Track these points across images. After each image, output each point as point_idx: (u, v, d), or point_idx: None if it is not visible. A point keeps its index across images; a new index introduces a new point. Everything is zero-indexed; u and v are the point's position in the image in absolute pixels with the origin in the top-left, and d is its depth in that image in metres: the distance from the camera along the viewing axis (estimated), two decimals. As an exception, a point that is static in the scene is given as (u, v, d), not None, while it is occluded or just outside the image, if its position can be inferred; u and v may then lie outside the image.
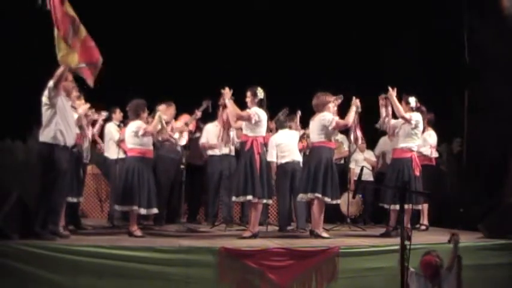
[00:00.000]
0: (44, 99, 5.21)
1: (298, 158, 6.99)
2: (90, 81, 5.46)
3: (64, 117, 5.29)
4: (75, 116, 5.98)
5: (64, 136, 5.25)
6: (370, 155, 8.45)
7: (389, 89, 6.27)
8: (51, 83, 5.16)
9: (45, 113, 5.23)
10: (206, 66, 8.83)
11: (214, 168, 7.64)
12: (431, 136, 7.27)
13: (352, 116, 6.26)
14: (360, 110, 6.44)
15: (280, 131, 7.14)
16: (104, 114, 6.90)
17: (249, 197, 5.86)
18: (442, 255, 4.36)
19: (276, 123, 7.26)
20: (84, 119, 6.27)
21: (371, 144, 8.49)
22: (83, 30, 5.37)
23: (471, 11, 7.78)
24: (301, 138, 7.55)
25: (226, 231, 6.77)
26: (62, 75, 5.15)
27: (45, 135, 5.21)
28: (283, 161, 6.96)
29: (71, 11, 5.31)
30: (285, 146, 6.97)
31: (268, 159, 6.72)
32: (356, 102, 6.30)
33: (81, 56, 5.28)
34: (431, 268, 4.23)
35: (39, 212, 5.12)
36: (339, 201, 6.39)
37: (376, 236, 6.31)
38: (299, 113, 7.22)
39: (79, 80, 6.13)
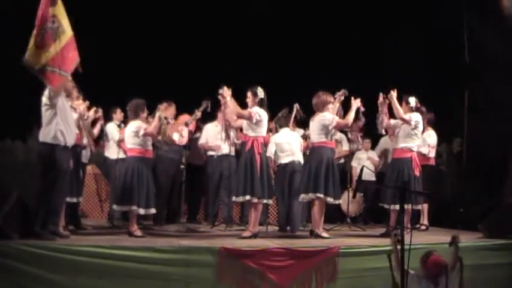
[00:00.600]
0: (44, 99, 5.20)
1: (299, 158, 6.97)
2: (51, 85, 5.13)
3: (64, 118, 5.28)
4: (75, 116, 5.98)
5: (64, 136, 5.25)
6: (374, 154, 8.41)
7: (391, 91, 6.27)
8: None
9: (45, 113, 5.22)
10: (206, 66, 8.82)
11: (214, 168, 7.64)
12: (431, 136, 7.26)
13: (352, 116, 6.25)
14: (363, 109, 6.44)
15: (282, 131, 7.13)
16: (100, 111, 6.81)
17: (249, 197, 5.86)
18: (442, 255, 4.36)
19: (276, 123, 7.24)
20: (83, 118, 6.26)
21: (372, 144, 8.49)
22: (65, 38, 5.16)
23: (471, 11, 7.78)
24: (302, 138, 7.56)
25: (226, 231, 6.77)
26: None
27: (45, 136, 5.21)
28: (283, 161, 6.95)
29: (60, 15, 5.16)
30: (285, 145, 6.95)
31: (267, 154, 6.76)
32: (357, 103, 6.30)
33: (55, 62, 5.07)
34: (440, 268, 4.21)
35: (39, 212, 5.11)
36: (340, 201, 6.39)
37: (376, 236, 6.31)
38: (297, 106, 7.12)
39: (79, 80, 6.16)
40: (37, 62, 5.00)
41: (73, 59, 5.23)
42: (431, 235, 6.53)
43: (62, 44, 5.14)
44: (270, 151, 6.93)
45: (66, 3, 5.27)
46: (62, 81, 5.18)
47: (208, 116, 7.72)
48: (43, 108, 5.23)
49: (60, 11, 5.19)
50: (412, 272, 4.06)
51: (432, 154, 7.32)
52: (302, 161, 6.94)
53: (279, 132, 7.13)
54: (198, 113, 7.38)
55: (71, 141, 5.37)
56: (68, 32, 5.20)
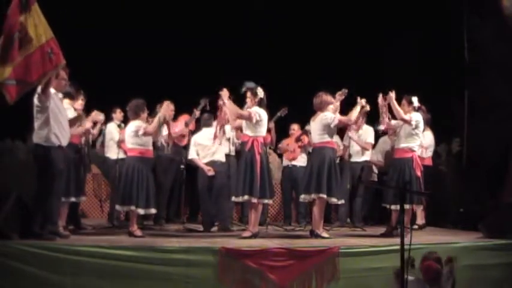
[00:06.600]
0: (36, 101, 5.17)
1: (221, 158, 6.93)
2: (10, 99, 4.88)
3: (57, 119, 5.25)
4: (79, 116, 5.99)
5: (58, 138, 5.23)
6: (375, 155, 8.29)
7: (390, 92, 6.27)
8: (39, 89, 5.09)
9: (37, 115, 5.20)
10: (205, 65, 8.81)
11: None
12: (425, 137, 7.21)
13: (355, 114, 6.26)
14: (367, 108, 6.44)
15: (203, 130, 7.06)
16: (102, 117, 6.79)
17: (249, 197, 5.86)
18: (442, 255, 4.36)
19: (201, 121, 7.18)
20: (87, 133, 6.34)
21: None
22: (32, 46, 4.91)
23: (471, 10, 7.78)
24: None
25: (226, 231, 6.76)
26: (48, 82, 5.07)
27: (39, 138, 5.18)
28: (204, 160, 6.91)
29: (31, 22, 4.90)
30: (206, 146, 6.91)
31: (190, 157, 6.94)
32: (361, 102, 6.30)
33: (16, 72, 4.84)
34: (431, 274, 4.21)
35: (38, 213, 5.12)
36: (343, 201, 6.39)
37: (376, 236, 6.31)
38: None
39: (80, 80, 6.16)
40: (2, 75, 4.81)
41: (46, 66, 4.96)
42: (431, 235, 6.53)
43: (27, 52, 4.90)
44: (191, 153, 6.95)
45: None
46: (22, 92, 4.95)
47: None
48: (35, 109, 5.20)
49: (34, 17, 4.93)
50: (411, 277, 4.05)
51: (425, 155, 7.30)
52: (224, 160, 6.93)
53: (201, 131, 7.08)
54: (197, 112, 7.35)
55: (65, 141, 5.36)
56: (39, 39, 4.94)
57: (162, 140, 6.95)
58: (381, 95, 6.43)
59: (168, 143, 7.08)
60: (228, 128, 6.86)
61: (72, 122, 5.66)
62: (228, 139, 7.13)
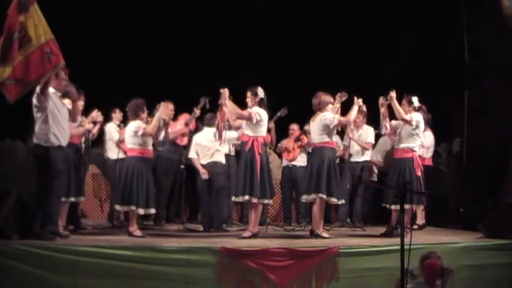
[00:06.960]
0: (35, 101, 5.17)
1: (221, 159, 6.92)
2: (11, 99, 4.91)
3: (56, 119, 5.25)
4: (81, 119, 6.00)
5: (58, 138, 5.24)
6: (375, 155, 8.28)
7: (391, 92, 6.27)
8: (38, 89, 5.09)
9: (36, 114, 5.20)
10: (204, 64, 8.81)
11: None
12: (426, 137, 7.22)
13: (354, 114, 6.26)
14: (364, 108, 6.44)
15: (204, 130, 7.03)
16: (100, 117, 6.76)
17: (249, 197, 5.86)
18: (442, 255, 4.36)
19: (204, 121, 7.16)
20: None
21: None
22: (32, 46, 4.90)
23: (471, 11, 7.78)
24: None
25: (225, 232, 6.76)
26: (47, 82, 5.07)
27: (38, 138, 5.19)
28: (204, 161, 6.89)
29: (31, 23, 4.91)
30: (206, 146, 6.90)
31: (189, 156, 6.94)
32: (359, 102, 6.31)
33: (15, 72, 4.86)
34: (435, 272, 4.20)
35: (38, 213, 5.12)
36: (343, 201, 6.40)
37: (376, 236, 6.31)
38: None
39: (80, 80, 6.15)
40: (2, 75, 4.83)
41: (45, 67, 4.97)
42: (432, 235, 6.53)
43: (27, 52, 4.91)
44: (191, 153, 6.95)
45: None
46: (23, 92, 4.96)
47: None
48: (34, 110, 5.20)
49: (33, 18, 4.94)
50: (410, 285, 4.03)
51: (427, 155, 7.32)
52: (224, 161, 6.91)
53: (203, 131, 7.05)
54: (197, 111, 7.33)
55: (65, 141, 5.36)
56: (38, 39, 4.94)
57: (161, 136, 6.92)
58: (381, 97, 6.43)
59: (166, 139, 7.08)
60: (229, 134, 6.82)
61: (72, 116, 5.65)
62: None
